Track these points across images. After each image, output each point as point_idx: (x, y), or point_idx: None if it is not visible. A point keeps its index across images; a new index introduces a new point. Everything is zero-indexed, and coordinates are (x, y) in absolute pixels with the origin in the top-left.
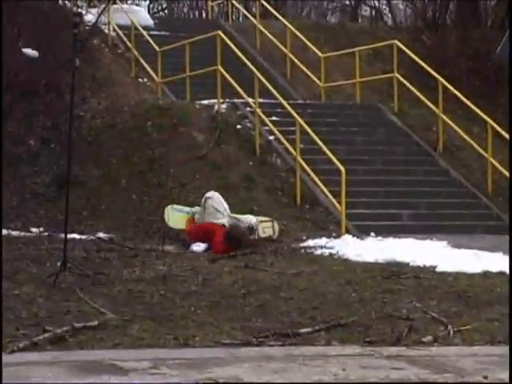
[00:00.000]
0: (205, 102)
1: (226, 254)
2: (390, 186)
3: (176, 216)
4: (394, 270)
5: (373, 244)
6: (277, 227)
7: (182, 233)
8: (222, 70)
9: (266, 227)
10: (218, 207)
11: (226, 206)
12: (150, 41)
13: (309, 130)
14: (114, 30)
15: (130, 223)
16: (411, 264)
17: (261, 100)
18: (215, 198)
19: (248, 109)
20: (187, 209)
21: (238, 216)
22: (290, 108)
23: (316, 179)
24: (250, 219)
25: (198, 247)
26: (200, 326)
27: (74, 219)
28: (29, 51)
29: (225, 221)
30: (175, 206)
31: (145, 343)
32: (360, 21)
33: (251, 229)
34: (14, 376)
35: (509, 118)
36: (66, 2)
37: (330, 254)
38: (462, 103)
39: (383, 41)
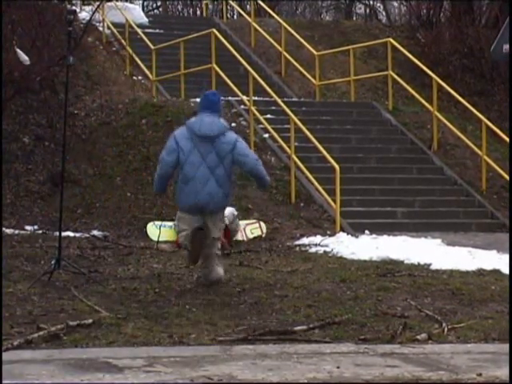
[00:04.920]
0: (199, 99)
1: None
2: (384, 183)
3: (161, 231)
4: (388, 268)
5: (367, 242)
6: (264, 226)
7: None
8: (217, 67)
9: (253, 229)
10: None
11: None
12: (145, 39)
13: (303, 127)
14: (109, 28)
15: (124, 221)
16: (406, 262)
17: (255, 98)
18: None
19: (242, 107)
20: (169, 223)
21: None
22: (284, 106)
23: (310, 177)
24: (229, 211)
25: None
26: (195, 323)
27: (69, 217)
28: (22, 54)
29: None
30: (156, 222)
31: (139, 341)
32: (354, 19)
33: (235, 226)
34: (9, 374)
35: (509, 118)
36: None
37: (325, 252)
38: (456, 101)
39: (378, 39)
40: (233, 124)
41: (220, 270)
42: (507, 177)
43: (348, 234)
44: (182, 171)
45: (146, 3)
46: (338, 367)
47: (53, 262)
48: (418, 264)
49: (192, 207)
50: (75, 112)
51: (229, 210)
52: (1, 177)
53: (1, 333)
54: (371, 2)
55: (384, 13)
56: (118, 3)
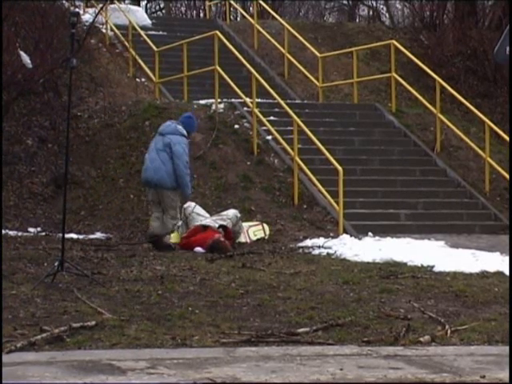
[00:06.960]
0: (202, 101)
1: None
2: (387, 185)
3: None
4: (391, 270)
5: (370, 244)
6: (267, 228)
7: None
8: (220, 69)
9: (256, 230)
10: (198, 212)
11: (204, 211)
12: (148, 41)
13: (306, 129)
14: (112, 30)
15: (127, 223)
16: (409, 264)
17: (258, 100)
18: (192, 206)
19: (246, 109)
20: None
21: (222, 213)
22: (287, 108)
23: (314, 179)
24: (232, 213)
25: (200, 248)
26: (198, 325)
27: (72, 219)
28: (24, 57)
29: (209, 221)
30: None
31: (142, 343)
32: (357, 20)
33: (237, 228)
34: (12, 376)
35: (509, 119)
36: (64, 1)
37: (328, 254)
38: (459, 103)
39: (381, 41)
40: (236, 126)
41: (153, 229)
42: None
43: (351, 235)
44: None
45: (149, 5)
46: (341, 369)
47: (56, 264)
48: (422, 266)
49: (144, 179)
50: (78, 114)
51: (232, 212)
52: (1, 179)
53: (1, 334)
54: (374, 4)
55: (387, 15)
56: (122, 5)
